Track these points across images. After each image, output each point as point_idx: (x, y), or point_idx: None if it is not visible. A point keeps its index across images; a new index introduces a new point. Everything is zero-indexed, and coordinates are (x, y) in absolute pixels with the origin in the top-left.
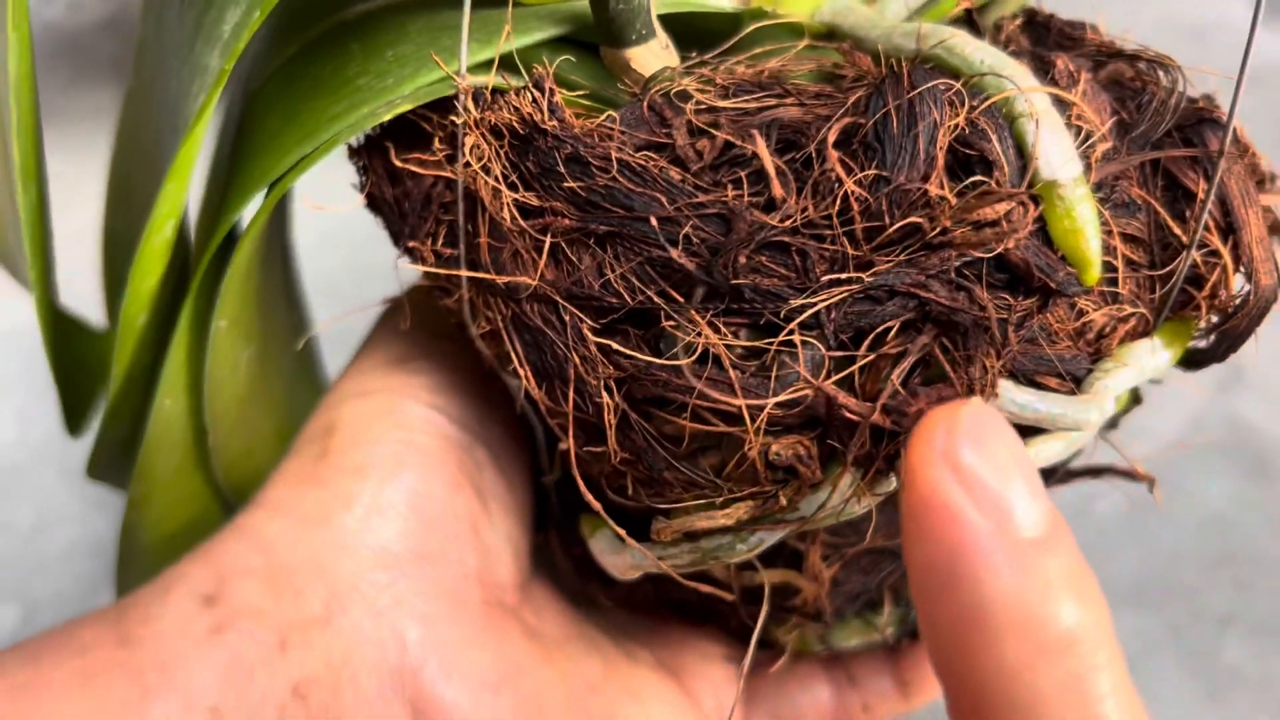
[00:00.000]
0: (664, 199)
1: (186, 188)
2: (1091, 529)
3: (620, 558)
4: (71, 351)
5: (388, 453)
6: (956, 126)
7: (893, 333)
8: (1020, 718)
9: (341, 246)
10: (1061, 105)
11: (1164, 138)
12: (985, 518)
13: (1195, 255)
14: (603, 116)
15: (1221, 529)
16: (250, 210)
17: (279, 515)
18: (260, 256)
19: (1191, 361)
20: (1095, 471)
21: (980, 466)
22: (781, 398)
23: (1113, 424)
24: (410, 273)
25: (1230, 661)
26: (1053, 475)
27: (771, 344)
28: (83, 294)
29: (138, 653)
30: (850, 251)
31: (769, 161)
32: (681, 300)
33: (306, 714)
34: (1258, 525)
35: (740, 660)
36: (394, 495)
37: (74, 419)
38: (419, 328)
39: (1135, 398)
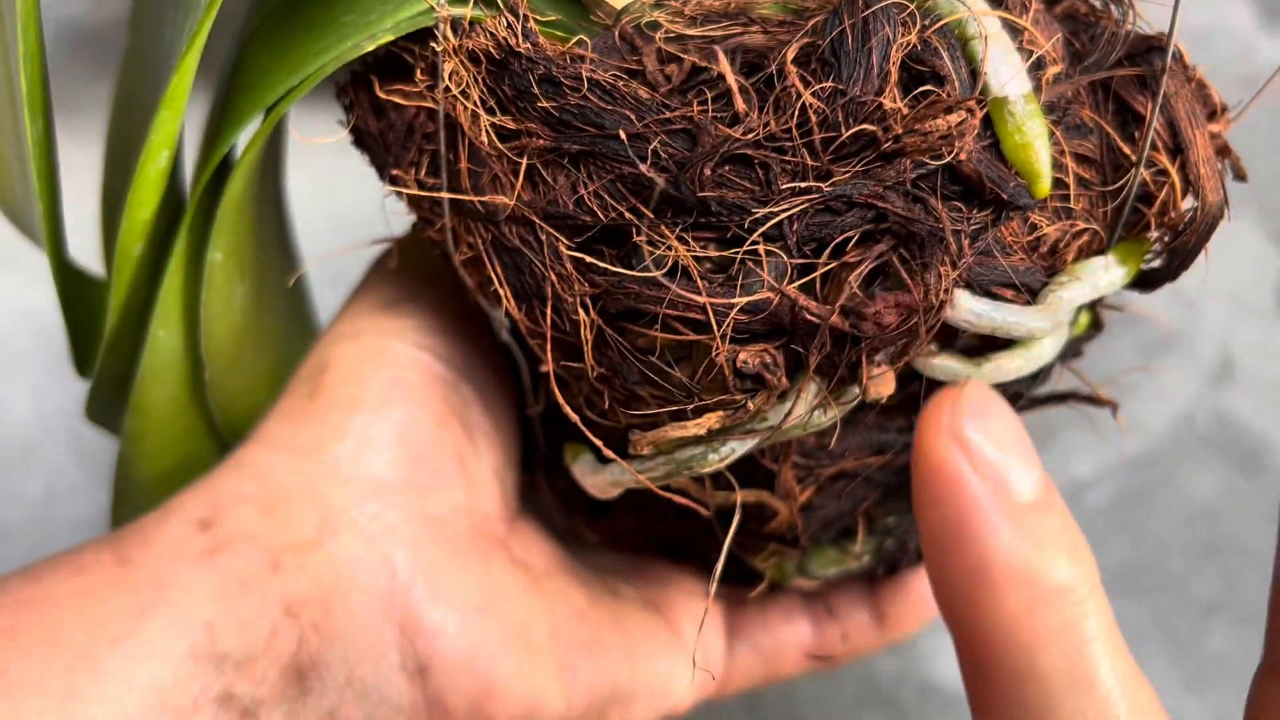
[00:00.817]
0: (633, 116)
1: (180, 117)
2: (1081, 518)
3: (600, 476)
4: (79, 299)
5: (377, 389)
6: (909, 44)
7: (852, 243)
8: (1021, 659)
9: (351, 231)
10: (1014, 31)
11: (1115, 66)
12: (986, 483)
13: (1145, 174)
14: (574, 40)
15: (1209, 520)
16: (243, 142)
17: (273, 448)
18: (254, 190)
19: (1146, 281)
20: (1060, 397)
21: (981, 440)
22: (746, 300)
23: (1076, 352)
24: (401, 224)
25: (1215, 650)
26: (1018, 399)
27: (737, 254)
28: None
29: (135, 571)
30: (809, 162)
31: (730, 77)
32: (651, 216)
33: (298, 631)
34: (1245, 517)
35: (721, 595)
36: (383, 429)
37: (83, 362)
38: (408, 274)
39: (1096, 323)
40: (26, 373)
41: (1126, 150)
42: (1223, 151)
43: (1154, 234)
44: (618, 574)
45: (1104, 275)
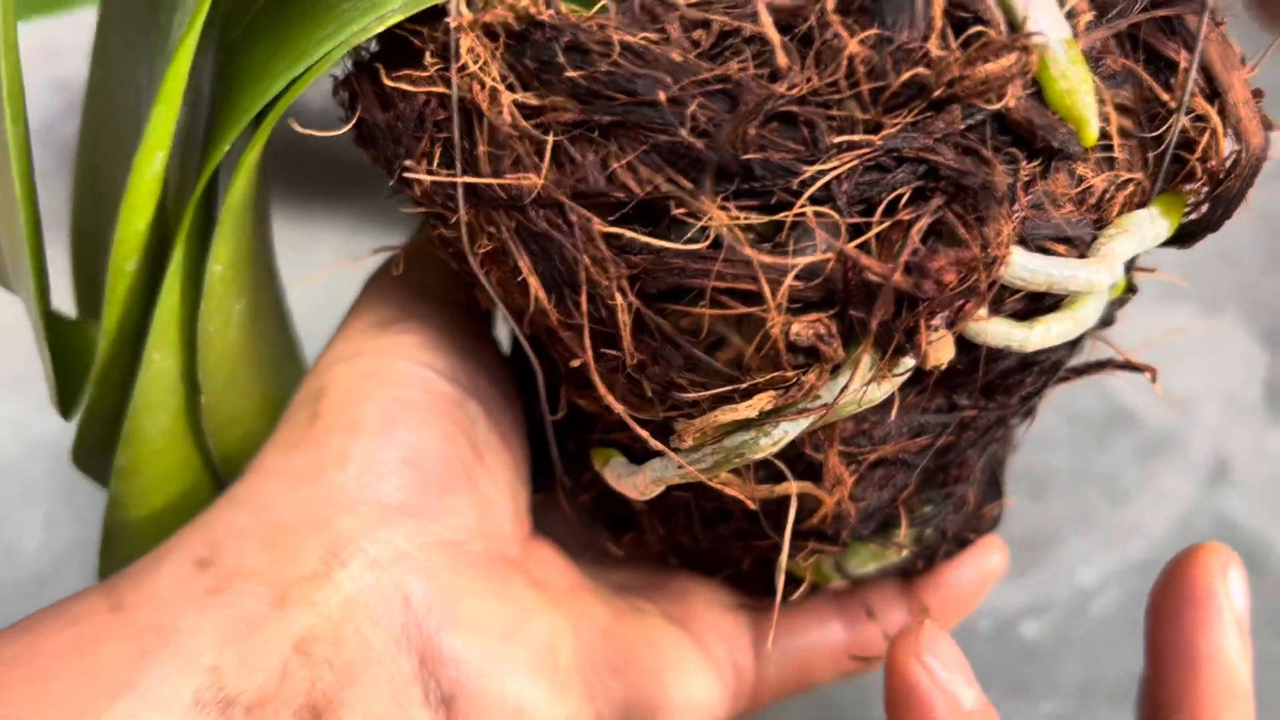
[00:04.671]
0: (668, 78)
1: (175, 114)
2: (1089, 628)
3: (640, 476)
4: (62, 343)
5: (380, 410)
6: None
7: (904, 200)
8: None
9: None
10: None
11: (1141, 13)
12: (943, 696)
13: (1184, 120)
14: (597, 7)
15: None
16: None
17: (273, 478)
18: (252, 197)
19: (1187, 235)
20: (1098, 366)
21: (936, 664)
22: (803, 261)
23: (1107, 321)
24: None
25: None
26: (1057, 369)
27: (786, 218)
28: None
29: (132, 617)
30: (859, 115)
31: (771, 30)
32: (690, 186)
33: (310, 669)
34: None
35: (748, 606)
36: (388, 451)
37: (67, 402)
38: (404, 291)
39: (1130, 287)
40: (39, 502)
41: (1164, 97)
42: (1257, 94)
43: (1198, 182)
44: (638, 590)
45: (1150, 227)
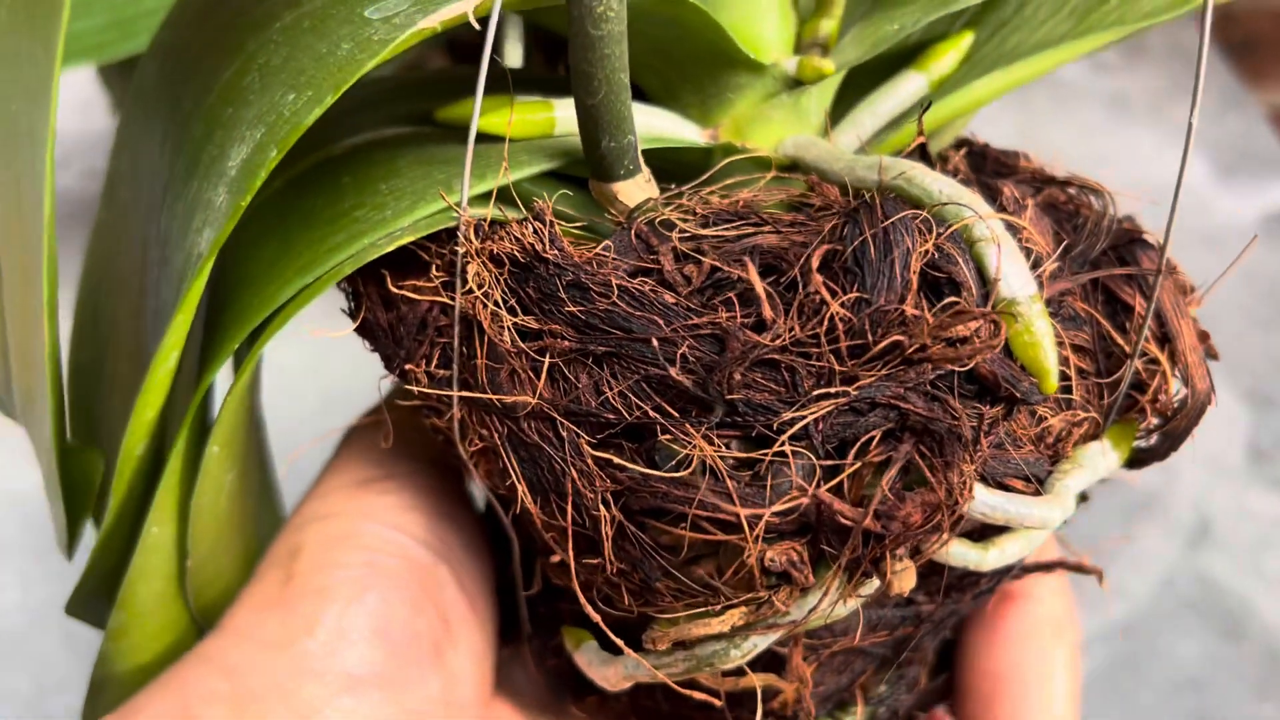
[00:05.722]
0: (661, 321)
1: (190, 320)
2: None
3: (611, 669)
4: (73, 477)
5: (351, 576)
6: (926, 252)
7: (875, 442)
8: None
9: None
10: (1012, 229)
11: (1100, 256)
12: None
13: (1137, 363)
14: (599, 246)
15: (1196, 689)
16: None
17: (244, 640)
18: (249, 385)
19: (1137, 461)
20: (1047, 567)
21: None
22: (780, 506)
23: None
24: (384, 395)
25: None
26: (1009, 571)
27: (766, 455)
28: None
29: None
30: (836, 367)
31: (759, 285)
32: (676, 415)
33: None
34: (1231, 684)
35: None
36: (357, 619)
37: (71, 540)
38: (382, 449)
39: (1083, 497)
40: (13, 559)
41: (1118, 339)
42: (1202, 336)
43: (1149, 420)
44: None
45: (1102, 460)
